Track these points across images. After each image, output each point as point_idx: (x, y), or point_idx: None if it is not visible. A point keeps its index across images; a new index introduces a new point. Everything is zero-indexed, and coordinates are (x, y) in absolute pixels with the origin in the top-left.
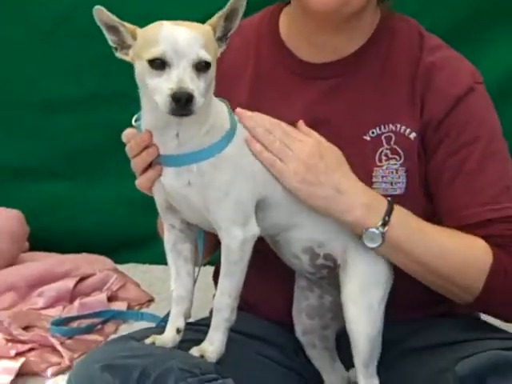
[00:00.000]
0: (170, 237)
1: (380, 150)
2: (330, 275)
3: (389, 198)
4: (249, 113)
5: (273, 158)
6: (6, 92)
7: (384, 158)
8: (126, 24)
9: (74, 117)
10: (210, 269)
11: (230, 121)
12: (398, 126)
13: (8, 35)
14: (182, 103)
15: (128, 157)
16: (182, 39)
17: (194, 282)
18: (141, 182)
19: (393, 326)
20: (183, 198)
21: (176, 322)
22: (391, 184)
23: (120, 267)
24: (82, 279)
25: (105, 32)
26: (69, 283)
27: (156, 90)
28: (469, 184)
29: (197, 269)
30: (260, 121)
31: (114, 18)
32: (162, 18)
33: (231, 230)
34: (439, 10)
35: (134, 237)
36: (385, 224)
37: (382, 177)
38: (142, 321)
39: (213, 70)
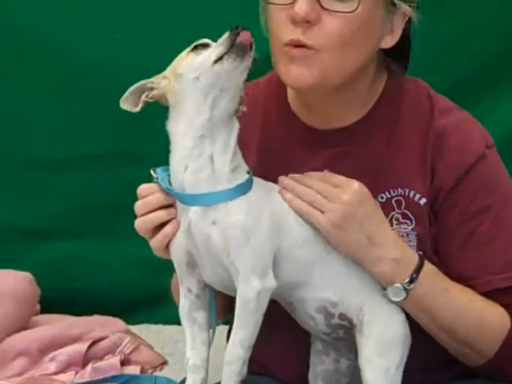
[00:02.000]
0: (186, 303)
1: (391, 214)
2: (346, 336)
3: (420, 253)
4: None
5: (307, 206)
6: (15, 151)
7: (395, 222)
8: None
9: (82, 175)
10: (224, 329)
11: (246, 167)
12: (407, 190)
13: (20, 94)
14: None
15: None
16: None
17: (209, 349)
18: (157, 240)
19: None
20: (205, 240)
21: None
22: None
23: (132, 328)
24: (94, 342)
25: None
26: (81, 347)
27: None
28: (480, 253)
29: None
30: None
31: (141, 84)
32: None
33: (249, 278)
34: (442, 67)
35: (146, 296)
36: (412, 281)
37: None
38: None
39: None
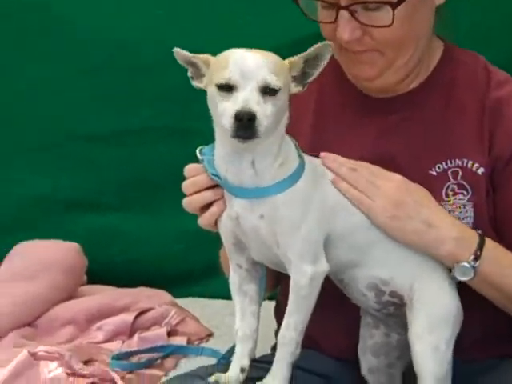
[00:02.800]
0: (236, 277)
1: (446, 184)
2: (396, 312)
3: (479, 231)
4: (332, 155)
5: (360, 195)
6: (58, 125)
7: (451, 192)
8: (199, 56)
9: (126, 149)
10: (271, 304)
11: (298, 156)
12: (465, 160)
13: (59, 71)
14: (244, 123)
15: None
16: (249, 63)
17: (258, 321)
18: (205, 219)
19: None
20: (253, 231)
21: (241, 361)
22: (459, 219)
23: (179, 301)
24: (140, 313)
25: (185, 66)
26: (128, 317)
27: (223, 113)
28: None
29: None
30: (343, 162)
31: (187, 54)
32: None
33: (301, 265)
34: (499, 42)
35: (191, 270)
36: (476, 258)
37: (450, 212)
38: (201, 356)
39: (283, 99)
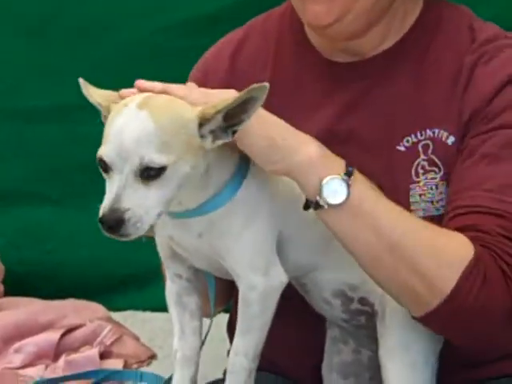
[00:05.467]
0: (174, 288)
1: (416, 162)
2: (368, 324)
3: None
4: (157, 84)
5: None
6: None
7: (421, 171)
8: (100, 100)
9: (59, 128)
10: (224, 318)
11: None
12: (436, 131)
13: None
14: (112, 229)
15: None
16: (126, 136)
17: (203, 341)
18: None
19: None
20: (193, 249)
21: None
22: (432, 203)
23: (115, 315)
24: (68, 331)
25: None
26: (53, 336)
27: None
28: (480, 166)
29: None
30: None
31: (89, 92)
32: None
33: (250, 278)
34: None
35: (132, 277)
36: (349, 175)
37: (420, 195)
38: (141, 382)
39: (180, 172)
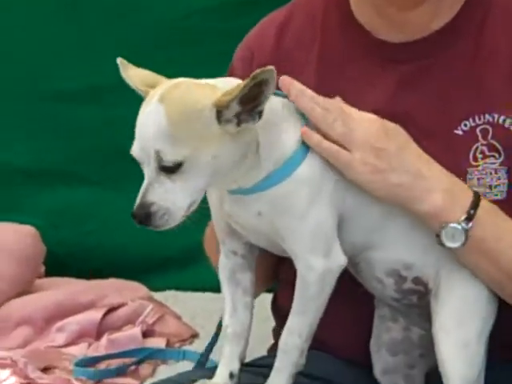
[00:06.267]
0: (229, 264)
1: (475, 146)
2: (420, 303)
3: (474, 189)
4: (297, 85)
5: (335, 148)
6: (18, 80)
7: (480, 156)
8: (140, 86)
9: (100, 109)
10: (268, 297)
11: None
12: (496, 116)
13: (19, 11)
14: (143, 223)
15: None
16: (145, 132)
17: (252, 316)
18: None
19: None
20: (251, 228)
21: (230, 365)
22: (490, 188)
23: (156, 295)
24: (110, 310)
25: None
26: (95, 315)
27: None
28: None
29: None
30: (314, 97)
31: (128, 79)
32: None
33: (310, 259)
34: None
35: (173, 257)
36: (469, 218)
37: (479, 179)
38: (183, 360)
39: (201, 162)
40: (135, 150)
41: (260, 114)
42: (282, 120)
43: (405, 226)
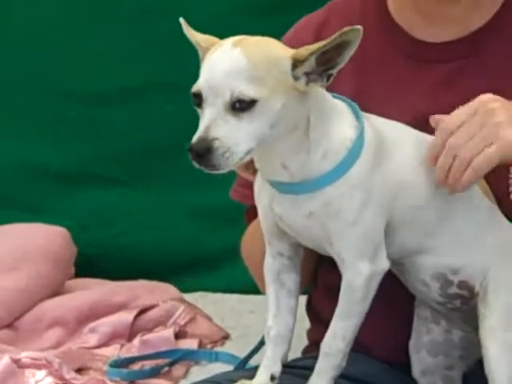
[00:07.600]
0: (275, 265)
1: None
2: (463, 307)
3: None
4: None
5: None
6: (50, 84)
7: None
8: (199, 38)
9: (128, 111)
10: (302, 298)
11: (356, 132)
12: None
13: (49, 13)
14: (201, 158)
15: None
16: (217, 71)
17: (295, 318)
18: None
19: None
20: (301, 230)
21: (271, 367)
22: None
23: (187, 296)
24: (142, 312)
25: None
26: (127, 317)
27: None
28: None
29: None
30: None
31: (191, 35)
32: None
33: (357, 263)
34: None
35: (203, 258)
36: None
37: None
38: (216, 362)
39: (272, 108)
40: (203, 87)
41: (329, 77)
42: (337, 113)
43: (457, 231)
